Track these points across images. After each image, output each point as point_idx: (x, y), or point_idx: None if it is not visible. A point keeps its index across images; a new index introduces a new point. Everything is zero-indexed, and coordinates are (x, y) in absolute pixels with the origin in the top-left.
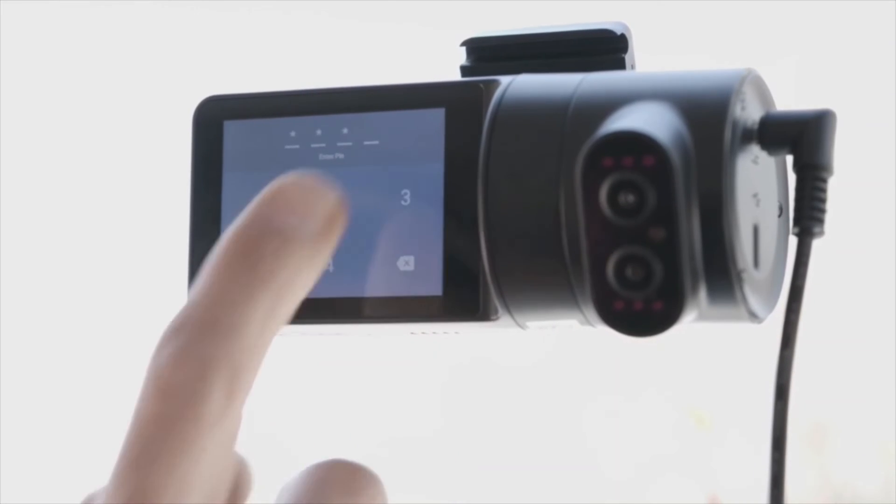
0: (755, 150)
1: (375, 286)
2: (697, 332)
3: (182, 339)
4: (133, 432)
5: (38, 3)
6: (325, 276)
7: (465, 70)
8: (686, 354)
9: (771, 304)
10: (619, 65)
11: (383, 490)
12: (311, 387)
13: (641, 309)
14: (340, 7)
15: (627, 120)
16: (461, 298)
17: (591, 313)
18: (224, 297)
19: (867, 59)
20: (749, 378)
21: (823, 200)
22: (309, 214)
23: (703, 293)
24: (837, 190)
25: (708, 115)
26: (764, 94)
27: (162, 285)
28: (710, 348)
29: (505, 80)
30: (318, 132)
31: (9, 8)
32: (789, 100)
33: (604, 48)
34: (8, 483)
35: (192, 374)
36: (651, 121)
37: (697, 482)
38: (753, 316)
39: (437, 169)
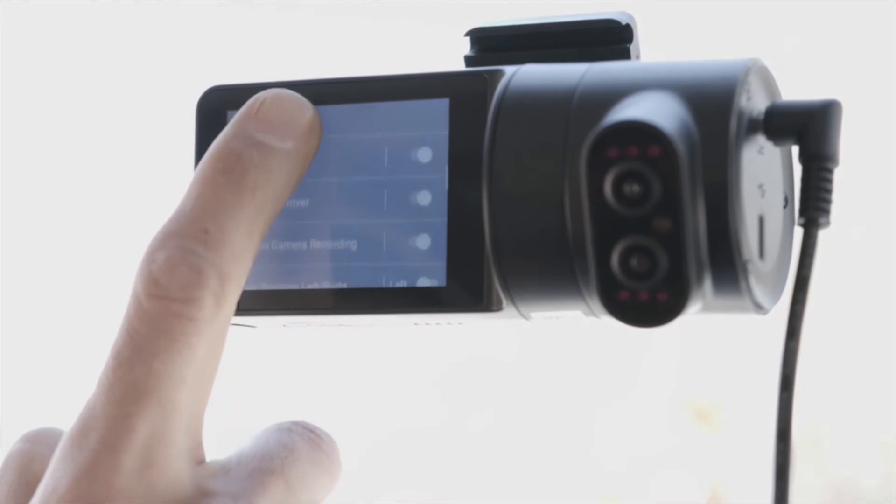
0: (761, 140)
1: (379, 277)
2: (700, 323)
3: (174, 246)
4: (127, 331)
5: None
6: (329, 269)
7: (469, 60)
8: (687, 346)
9: (776, 295)
10: (624, 55)
11: (339, 449)
12: (309, 383)
13: (646, 300)
14: (342, 3)
15: (632, 110)
16: (465, 289)
17: (596, 304)
18: (212, 207)
19: (871, 51)
20: (751, 371)
21: (829, 191)
22: (287, 128)
23: (708, 284)
24: (840, 182)
25: (713, 105)
26: (770, 84)
27: None
28: (712, 340)
29: (509, 70)
30: (323, 122)
31: (9, 3)
32: (795, 90)
33: (608, 38)
34: None
35: (185, 279)
36: (656, 111)
37: (698, 477)
38: (759, 307)
39: (441, 159)
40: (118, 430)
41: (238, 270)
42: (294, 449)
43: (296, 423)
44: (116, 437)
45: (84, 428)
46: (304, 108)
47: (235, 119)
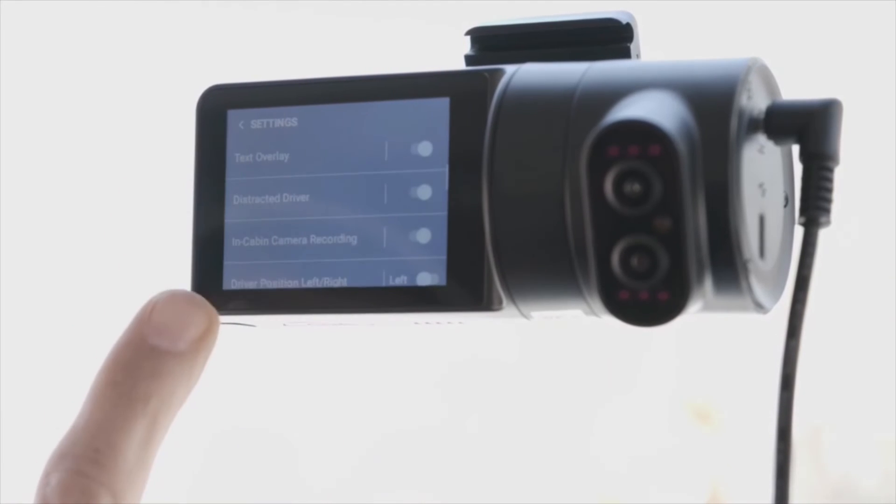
0: (761, 139)
1: (379, 276)
2: (700, 322)
3: (66, 468)
4: None
5: None
6: (330, 267)
7: (469, 59)
8: (687, 346)
9: (777, 294)
10: (625, 54)
11: None
12: (309, 382)
13: (647, 299)
14: (343, 3)
15: (633, 109)
16: (465, 288)
17: (596, 303)
18: (103, 424)
19: (871, 51)
20: (752, 371)
21: (830, 190)
22: (181, 333)
23: (708, 283)
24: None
25: (714, 104)
26: (770, 83)
27: (166, 279)
28: (712, 340)
29: (510, 69)
30: (322, 121)
31: (9, 3)
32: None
33: (609, 37)
34: (8, 484)
35: (76, 503)
36: (657, 110)
37: (698, 477)
38: (759, 306)
39: (441, 158)
40: None
41: (133, 485)
42: None
43: None
44: None
45: None
46: (198, 308)
47: (128, 324)
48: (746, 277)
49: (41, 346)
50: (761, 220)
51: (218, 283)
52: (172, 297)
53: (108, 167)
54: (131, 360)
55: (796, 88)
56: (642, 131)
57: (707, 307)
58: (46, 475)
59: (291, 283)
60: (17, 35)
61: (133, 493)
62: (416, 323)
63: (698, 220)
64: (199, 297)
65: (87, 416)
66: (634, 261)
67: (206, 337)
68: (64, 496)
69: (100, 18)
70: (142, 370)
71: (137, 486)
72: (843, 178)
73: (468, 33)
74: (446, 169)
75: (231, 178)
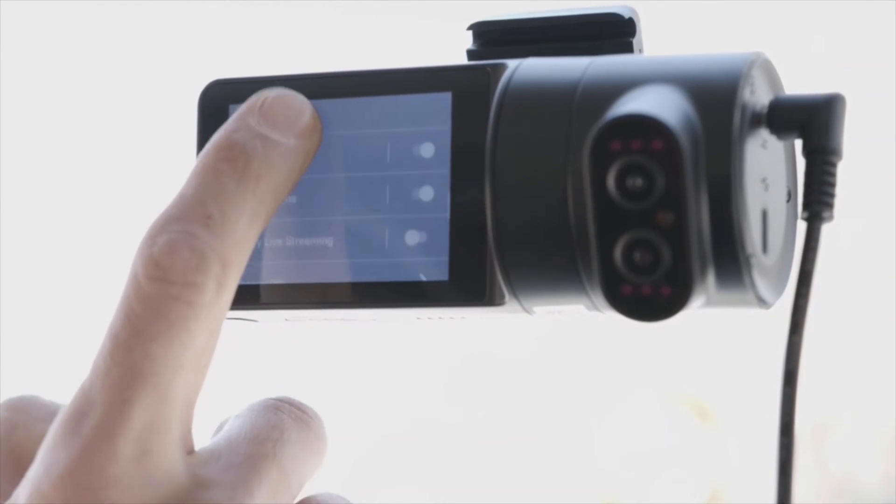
0: (764, 134)
1: (381, 271)
2: (702, 319)
3: (176, 230)
4: (125, 313)
5: None
6: (331, 262)
7: (471, 54)
8: (688, 343)
9: (779, 289)
10: (627, 49)
11: (325, 426)
12: (310, 379)
13: (649, 294)
14: (344, 1)
15: (636, 103)
16: (468, 283)
17: (599, 298)
18: (216, 193)
19: (873, 46)
20: (752, 368)
21: (832, 185)
22: (290, 125)
23: (711, 278)
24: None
25: (717, 98)
26: (773, 78)
27: None
28: (713, 337)
29: (512, 63)
30: (324, 116)
31: (8, 3)
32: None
33: (611, 32)
34: None
35: (187, 262)
36: (660, 104)
37: (698, 476)
38: (762, 301)
39: (443, 153)
40: (114, 416)
41: (239, 258)
42: (284, 429)
43: (282, 401)
44: (113, 423)
45: (78, 412)
46: (306, 107)
47: (238, 113)
48: (749, 272)
49: (41, 346)
50: (764, 214)
51: None
52: (282, 93)
53: (109, 164)
54: (246, 141)
55: (799, 83)
56: (645, 126)
57: (710, 302)
58: (152, 237)
59: (292, 279)
60: (17, 35)
61: (239, 266)
62: (417, 318)
63: (701, 214)
64: (305, 99)
65: (196, 185)
66: (637, 255)
67: (312, 132)
68: (173, 255)
69: (100, 17)
70: (256, 151)
71: (242, 261)
72: (846, 173)
73: (470, 28)
74: (448, 165)
75: None
